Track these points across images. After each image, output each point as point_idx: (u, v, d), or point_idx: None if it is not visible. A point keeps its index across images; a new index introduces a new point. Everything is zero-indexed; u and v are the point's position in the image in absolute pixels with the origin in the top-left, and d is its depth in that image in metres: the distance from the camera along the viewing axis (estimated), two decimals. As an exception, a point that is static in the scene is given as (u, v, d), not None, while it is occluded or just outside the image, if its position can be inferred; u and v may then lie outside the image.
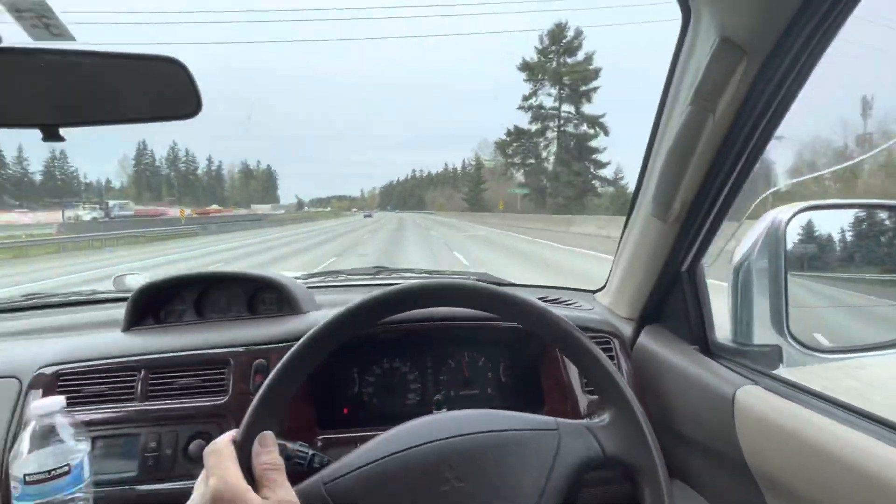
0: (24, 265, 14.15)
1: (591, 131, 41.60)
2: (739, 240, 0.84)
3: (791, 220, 0.80)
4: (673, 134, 0.70)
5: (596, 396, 0.91)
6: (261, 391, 0.52)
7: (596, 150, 41.35)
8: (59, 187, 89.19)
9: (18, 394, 0.89)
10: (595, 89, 41.54)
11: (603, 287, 1.22)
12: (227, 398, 0.86)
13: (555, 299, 1.20)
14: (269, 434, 0.50)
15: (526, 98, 45.41)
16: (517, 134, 46.47)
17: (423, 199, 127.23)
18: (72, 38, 0.58)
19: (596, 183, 41.91)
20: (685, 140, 0.68)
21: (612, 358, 0.96)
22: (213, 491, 0.43)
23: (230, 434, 0.50)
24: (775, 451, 0.63)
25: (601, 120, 40.81)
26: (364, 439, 0.88)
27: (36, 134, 0.58)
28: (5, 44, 0.55)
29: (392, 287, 0.58)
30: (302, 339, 0.55)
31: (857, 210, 0.92)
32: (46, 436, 0.69)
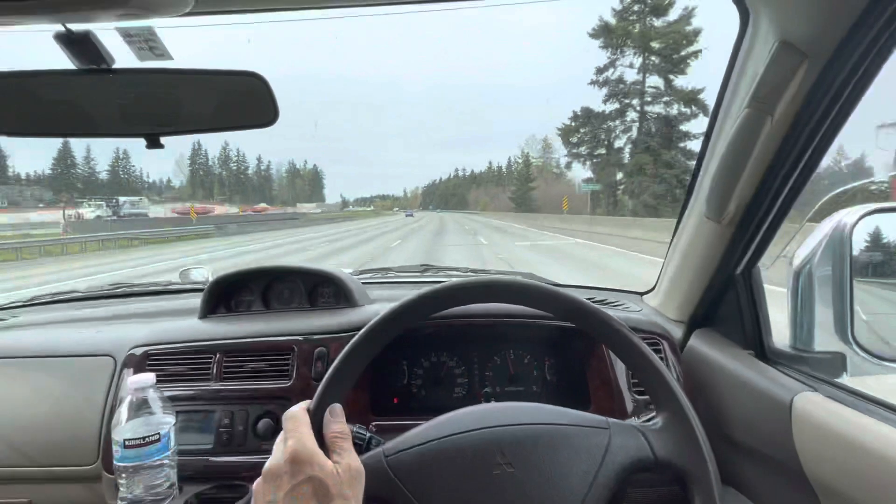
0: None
1: (688, 110, 30.31)
2: (800, 243, 0.82)
3: (857, 224, 0.77)
4: (729, 136, 0.70)
5: (643, 397, 0.91)
6: (332, 368, 0.57)
7: (690, 136, 29.93)
8: (124, 186, 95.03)
9: (113, 371, 1.01)
10: (696, 54, 29.24)
11: (651, 289, 1.21)
12: (291, 382, 0.93)
13: (602, 300, 1.20)
14: (338, 406, 0.55)
15: (600, 70, 33.68)
16: (585, 117, 35.35)
17: (465, 199, 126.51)
18: (170, 58, 0.66)
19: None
20: (742, 142, 0.67)
21: (661, 360, 0.96)
22: (291, 450, 0.48)
23: (305, 403, 0.55)
24: (835, 459, 0.62)
25: (699, 97, 29.12)
26: (412, 427, 0.93)
27: (131, 140, 0.67)
28: (117, 65, 0.64)
29: (456, 281, 0.61)
30: (370, 324, 0.59)
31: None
32: (140, 407, 0.78)
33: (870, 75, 0.57)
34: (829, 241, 0.77)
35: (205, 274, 1.61)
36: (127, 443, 0.75)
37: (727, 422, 0.84)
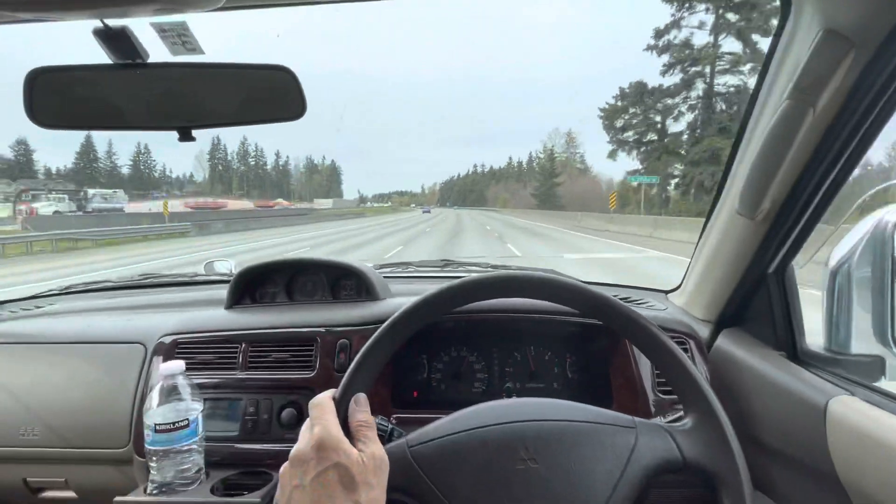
0: None
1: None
2: (837, 241, 0.79)
3: (901, 222, 0.73)
4: (767, 128, 0.67)
5: (668, 396, 0.90)
6: (357, 358, 0.57)
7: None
8: (147, 180, 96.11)
9: (144, 358, 1.04)
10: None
11: (677, 287, 1.18)
12: (314, 373, 0.95)
13: (625, 298, 1.18)
14: (363, 396, 0.56)
15: (660, 33, 26.18)
16: (636, 94, 28.05)
17: (483, 195, 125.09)
18: (202, 53, 0.67)
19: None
20: (781, 135, 0.65)
21: None
22: (317, 437, 0.49)
23: (330, 392, 0.56)
24: (872, 465, 0.60)
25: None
26: (433, 420, 0.93)
27: (158, 134, 0.69)
28: (151, 59, 0.66)
29: (480, 275, 0.61)
30: (395, 315, 0.60)
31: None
32: (170, 393, 0.81)
33: None
34: (870, 240, 0.74)
35: (228, 266, 1.65)
36: (158, 427, 0.78)
37: (756, 424, 0.81)
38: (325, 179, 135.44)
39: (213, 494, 0.81)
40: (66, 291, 1.49)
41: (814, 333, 0.82)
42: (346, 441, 0.50)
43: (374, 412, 0.58)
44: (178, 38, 0.64)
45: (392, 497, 0.52)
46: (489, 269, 1.55)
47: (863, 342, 0.75)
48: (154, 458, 0.79)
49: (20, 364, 1.08)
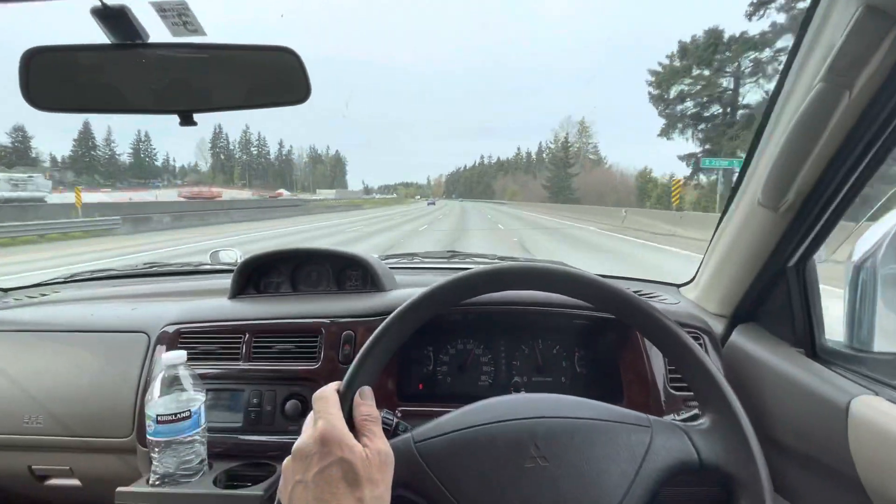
0: None
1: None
2: (861, 235, 0.76)
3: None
4: (797, 113, 0.64)
5: (681, 393, 0.87)
6: (363, 350, 0.56)
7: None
8: (147, 168, 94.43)
9: (147, 347, 1.03)
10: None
11: (690, 281, 1.15)
12: (318, 364, 0.93)
13: (636, 291, 1.16)
14: (368, 389, 0.54)
15: None
16: (706, 48, 20.44)
17: (490, 187, 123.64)
18: (204, 34, 0.65)
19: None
20: (813, 120, 0.61)
21: None
22: (321, 431, 0.47)
23: (334, 384, 0.54)
24: None
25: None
26: (438, 414, 0.91)
27: (161, 119, 0.67)
28: (151, 40, 0.63)
29: (491, 266, 0.58)
30: (403, 306, 0.58)
31: None
32: (172, 384, 0.79)
33: None
34: (897, 234, 0.71)
35: (234, 255, 1.63)
36: (159, 418, 0.77)
37: (772, 423, 0.79)
38: (330, 170, 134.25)
39: (215, 486, 0.80)
40: (71, 279, 1.49)
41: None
42: (350, 436, 0.48)
43: (378, 405, 0.56)
44: (179, 18, 0.62)
45: (397, 493, 0.51)
46: (496, 260, 1.53)
47: (887, 340, 0.73)
48: (156, 449, 0.78)
49: (24, 352, 1.07)
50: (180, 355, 0.80)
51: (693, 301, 1.08)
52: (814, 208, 0.70)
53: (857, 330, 0.76)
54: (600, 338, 1.01)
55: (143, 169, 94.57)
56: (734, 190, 0.86)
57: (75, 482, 1.06)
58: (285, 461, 0.49)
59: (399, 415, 0.91)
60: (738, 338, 0.92)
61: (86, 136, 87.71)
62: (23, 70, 0.59)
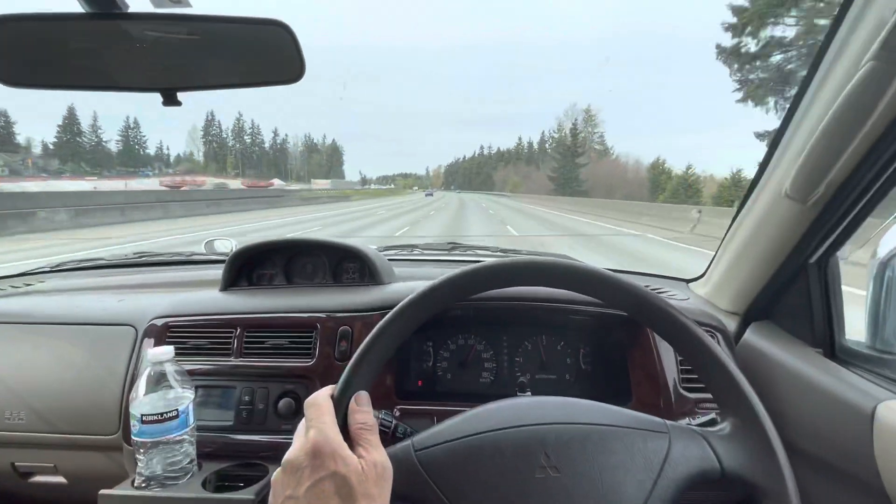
0: None
1: None
2: (887, 229, 0.72)
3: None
4: (840, 97, 0.58)
5: (694, 395, 0.84)
6: (358, 351, 0.52)
7: None
8: (136, 156, 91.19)
9: (134, 341, 0.99)
10: None
11: (700, 276, 1.11)
12: (313, 361, 0.89)
13: (644, 287, 1.12)
14: (364, 394, 0.50)
15: None
16: None
17: (490, 178, 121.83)
18: (189, 5, 0.59)
19: None
20: (860, 103, 0.56)
21: None
22: (313, 442, 0.44)
23: (328, 389, 0.50)
24: None
25: None
26: (438, 413, 0.88)
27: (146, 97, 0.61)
28: (131, 10, 0.58)
29: (500, 260, 0.55)
30: (403, 302, 0.54)
31: None
32: (158, 381, 0.75)
33: None
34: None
35: (229, 245, 1.58)
36: (144, 418, 0.73)
37: (789, 427, 0.76)
38: (326, 159, 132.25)
39: (204, 488, 0.76)
40: (58, 269, 1.44)
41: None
42: (344, 446, 0.44)
43: (376, 404, 0.53)
44: (161, -15, 0.57)
45: None
46: (498, 252, 1.49)
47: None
48: (141, 450, 0.74)
49: (5, 344, 1.03)
50: (167, 351, 0.76)
51: (703, 297, 1.04)
52: (844, 201, 0.66)
53: (881, 330, 0.72)
54: (607, 334, 0.97)
55: (133, 157, 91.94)
56: (754, 182, 0.82)
57: (60, 479, 1.02)
58: (275, 474, 0.45)
59: (397, 414, 0.88)
60: (752, 336, 0.88)
61: (70, 121, 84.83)
62: (-13, 40, 0.53)
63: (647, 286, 1.15)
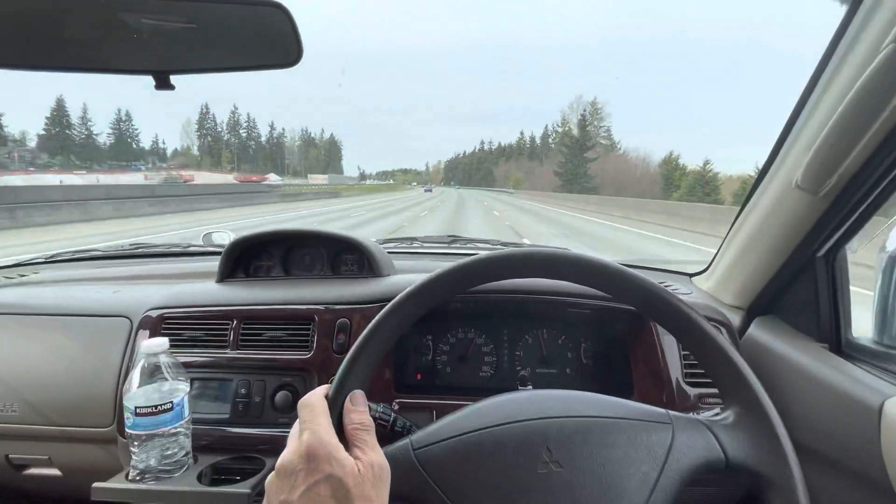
0: None
1: None
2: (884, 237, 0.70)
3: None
4: (851, 83, 0.56)
5: (698, 389, 0.83)
6: (353, 349, 0.50)
7: None
8: (129, 150, 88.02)
9: (129, 332, 0.97)
10: None
11: (703, 270, 1.10)
12: (310, 354, 0.88)
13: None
14: (360, 393, 0.49)
15: None
16: None
17: (491, 173, 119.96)
18: None
19: None
20: (879, 89, 0.54)
21: None
22: (307, 445, 0.42)
23: (322, 389, 0.49)
24: None
25: None
26: (438, 407, 0.87)
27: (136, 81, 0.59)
28: None
29: (502, 251, 0.53)
30: (403, 293, 0.53)
31: None
32: (153, 373, 0.74)
33: None
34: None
35: (227, 237, 1.57)
36: (138, 410, 0.71)
37: (794, 422, 0.74)
38: (324, 154, 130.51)
39: (199, 482, 0.75)
40: (52, 260, 1.42)
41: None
42: (340, 448, 0.43)
43: (374, 397, 0.51)
44: (153, -37, 0.55)
45: None
46: (498, 245, 1.47)
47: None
48: (136, 443, 0.73)
49: None
50: (161, 343, 0.74)
51: (706, 291, 1.03)
52: (857, 193, 0.64)
53: (889, 325, 0.70)
54: (609, 328, 0.96)
55: (126, 151, 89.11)
56: (761, 174, 0.80)
57: (55, 472, 1.01)
58: (269, 478, 0.43)
59: (396, 407, 0.86)
60: (756, 331, 0.87)
61: (59, 113, 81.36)
62: (-31, 18, 0.51)
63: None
